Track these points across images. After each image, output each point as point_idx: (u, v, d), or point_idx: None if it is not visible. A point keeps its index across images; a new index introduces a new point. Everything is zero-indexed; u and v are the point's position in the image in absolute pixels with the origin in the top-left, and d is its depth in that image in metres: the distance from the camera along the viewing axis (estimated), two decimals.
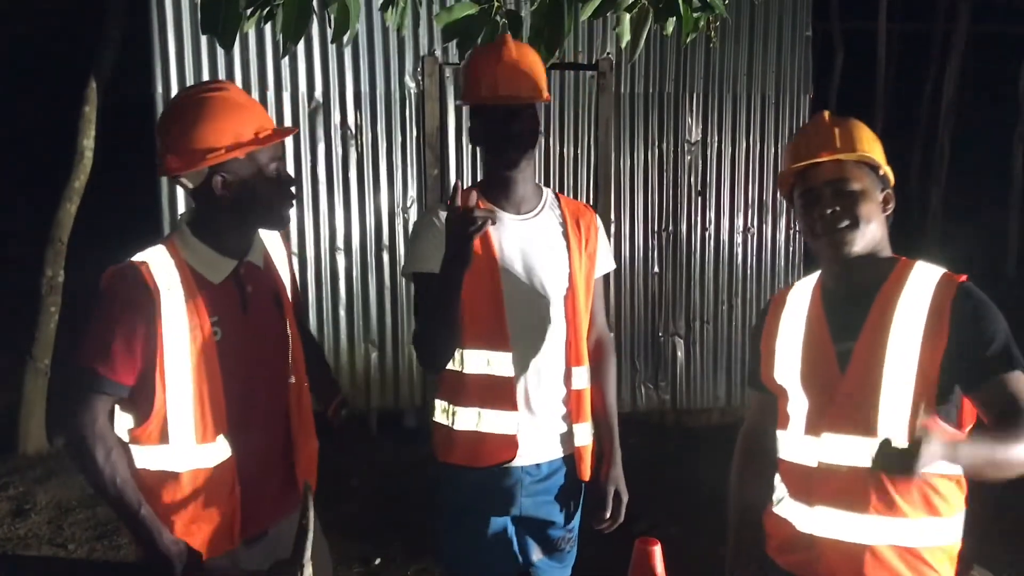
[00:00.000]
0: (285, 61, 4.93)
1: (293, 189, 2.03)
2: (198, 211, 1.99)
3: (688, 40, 2.37)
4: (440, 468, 2.32)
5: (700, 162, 5.52)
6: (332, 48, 4.93)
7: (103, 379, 1.84)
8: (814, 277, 1.99)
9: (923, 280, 1.79)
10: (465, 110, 5.14)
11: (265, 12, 2.03)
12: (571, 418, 2.33)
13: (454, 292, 2.05)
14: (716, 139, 5.51)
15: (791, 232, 5.64)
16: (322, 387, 2.32)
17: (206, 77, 4.85)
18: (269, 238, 2.15)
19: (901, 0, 8.71)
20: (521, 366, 2.24)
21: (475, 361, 2.25)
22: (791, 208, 1.95)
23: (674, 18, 2.26)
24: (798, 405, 1.90)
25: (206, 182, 1.90)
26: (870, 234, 1.81)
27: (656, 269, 5.55)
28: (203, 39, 4.81)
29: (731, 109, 5.49)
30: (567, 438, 2.33)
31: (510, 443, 2.25)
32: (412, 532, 3.99)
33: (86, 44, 5.56)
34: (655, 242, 5.54)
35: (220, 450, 1.95)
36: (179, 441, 1.90)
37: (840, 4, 8.22)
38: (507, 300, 2.22)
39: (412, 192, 5.18)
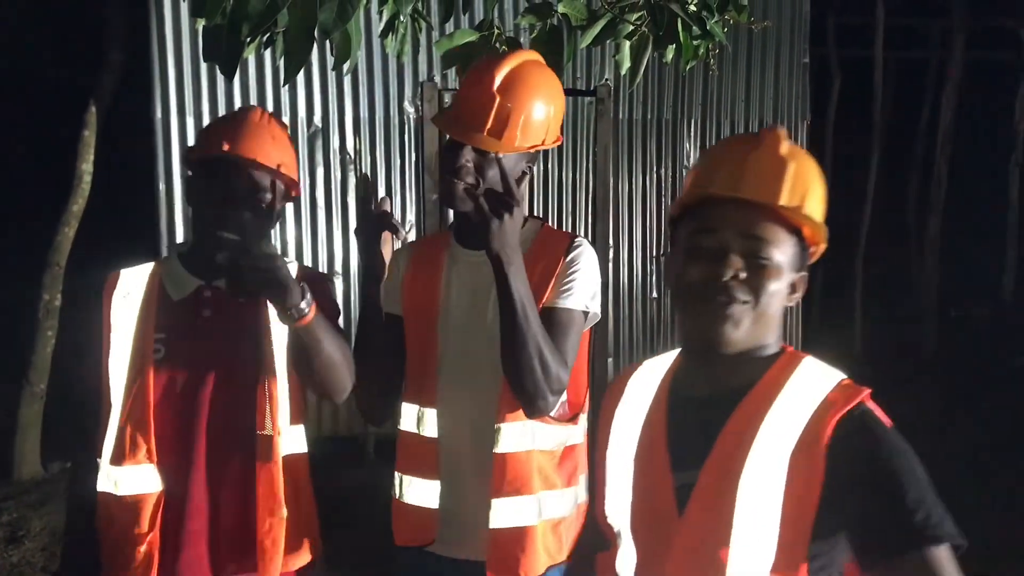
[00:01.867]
0: (285, 86, 4.95)
1: (229, 209, 1.81)
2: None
3: (688, 68, 2.37)
4: (402, 552, 2.00)
5: None
6: (331, 74, 4.95)
7: (85, 385, 1.88)
8: (667, 360, 1.41)
9: (803, 390, 1.23)
10: None
11: (265, 39, 2.04)
12: (493, 491, 1.84)
13: (372, 316, 1.94)
14: None
15: None
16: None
17: (206, 102, 4.87)
18: None
19: (898, 28, 8.77)
20: (450, 426, 1.90)
21: (407, 417, 1.96)
22: (671, 237, 1.37)
23: (674, 46, 2.26)
24: (627, 558, 1.34)
25: None
26: (763, 325, 1.26)
27: (654, 294, 5.55)
28: (203, 64, 4.83)
29: (729, 135, 5.52)
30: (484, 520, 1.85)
31: (427, 520, 1.91)
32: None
33: (86, 68, 5.58)
34: (653, 267, 5.55)
35: (140, 479, 1.78)
36: (104, 456, 1.81)
37: (837, 31, 8.28)
38: (443, 347, 1.91)
39: (411, 217, 5.19)
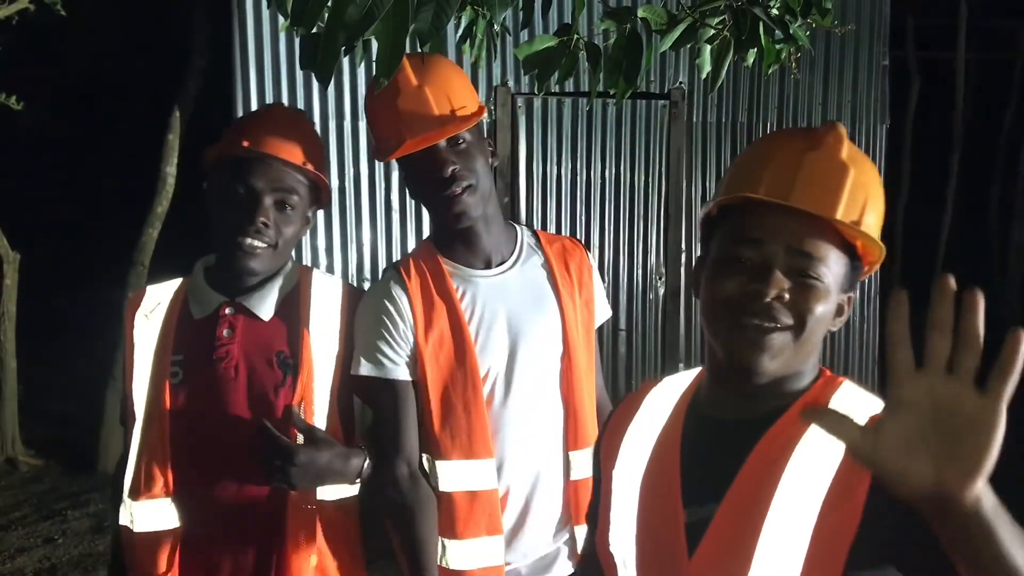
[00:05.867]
0: (360, 91, 5.03)
1: (251, 225, 1.63)
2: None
3: (769, 72, 2.35)
4: None
5: None
6: None
7: (121, 412, 1.79)
8: (689, 377, 1.26)
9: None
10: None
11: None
12: (573, 520, 1.78)
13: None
14: None
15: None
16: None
17: None
18: (324, 304, 1.73)
19: (980, 29, 8.53)
20: (511, 472, 1.72)
21: (453, 477, 1.70)
22: (705, 241, 1.21)
23: (755, 49, 2.25)
24: None
25: None
26: (804, 353, 1.10)
27: None
28: (283, 70, 4.94)
29: None
30: (571, 550, 1.79)
31: None
32: None
33: (171, 72, 5.76)
34: None
35: (157, 515, 1.63)
36: (124, 490, 1.67)
37: (917, 33, 8.09)
38: (488, 388, 1.71)
39: None
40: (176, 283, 1.77)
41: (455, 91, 1.70)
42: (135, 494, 1.63)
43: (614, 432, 1.28)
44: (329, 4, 1.20)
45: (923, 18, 8.16)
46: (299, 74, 4.93)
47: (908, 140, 7.91)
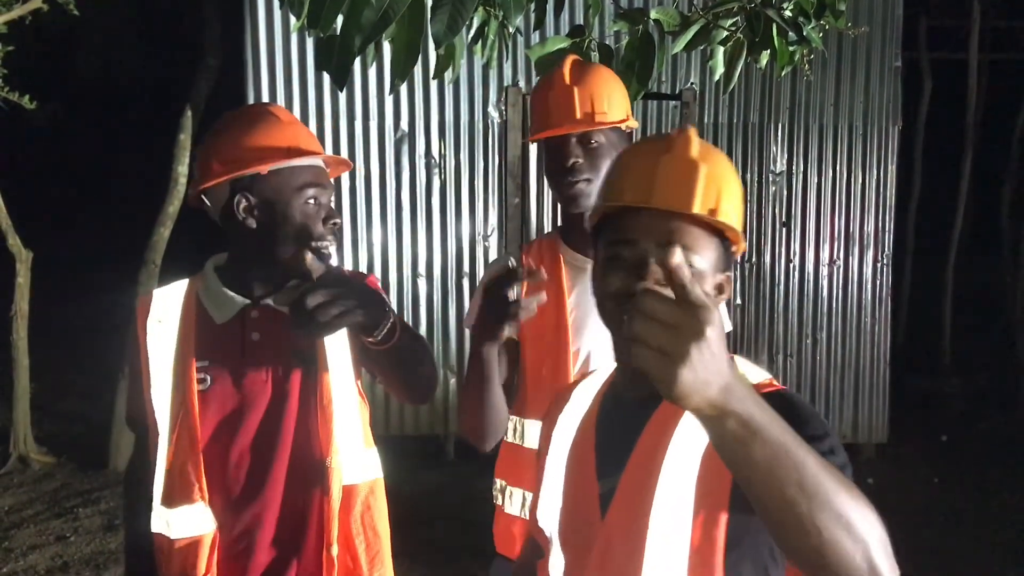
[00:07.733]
0: (372, 92, 5.04)
1: (335, 223, 1.66)
2: (228, 242, 1.72)
3: (783, 74, 2.34)
4: (497, 560, 2.02)
5: (785, 192, 5.46)
6: (418, 79, 5.02)
7: (129, 417, 1.77)
8: (612, 368, 1.41)
9: None
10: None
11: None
12: None
13: (488, 369, 1.71)
14: (802, 169, 5.45)
15: (879, 265, 5.53)
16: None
17: (297, 107, 4.99)
18: None
19: (993, 30, 8.50)
20: None
21: (536, 433, 1.85)
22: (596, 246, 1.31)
23: (768, 51, 2.24)
24: (556, 565, 1.33)
25: (228, 204, 1.64)
26: None
27: (739, 301, 5.49)
28: (295, 69, 4.96)
29: (817, 139, 5.43)
30: None
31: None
32: (490, 559, 3.98)
33: (184, 72, 5.78)
34: (738, 274, 5.48)
35: (194, 520, 1.63)
36: (156, 495, 1.67)
37: (929, 34, 8.06)
38: (576, 366, 1.90)
39: (493, 220, 5.23)
40: (182, 285, 1.74)
41: (600, 97, 1.92)
42: (170, 501, 1.63)
43: (550, 423, 1.42)
44: (345, 7, 1.20)
45: (935, 19, 8.13)
46: (311, 74, 4.95)
47: (920, 141, 7.89)
